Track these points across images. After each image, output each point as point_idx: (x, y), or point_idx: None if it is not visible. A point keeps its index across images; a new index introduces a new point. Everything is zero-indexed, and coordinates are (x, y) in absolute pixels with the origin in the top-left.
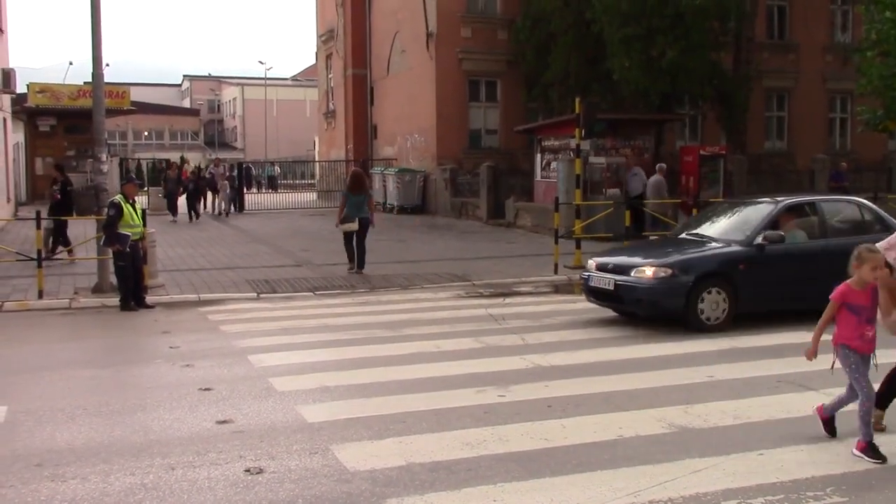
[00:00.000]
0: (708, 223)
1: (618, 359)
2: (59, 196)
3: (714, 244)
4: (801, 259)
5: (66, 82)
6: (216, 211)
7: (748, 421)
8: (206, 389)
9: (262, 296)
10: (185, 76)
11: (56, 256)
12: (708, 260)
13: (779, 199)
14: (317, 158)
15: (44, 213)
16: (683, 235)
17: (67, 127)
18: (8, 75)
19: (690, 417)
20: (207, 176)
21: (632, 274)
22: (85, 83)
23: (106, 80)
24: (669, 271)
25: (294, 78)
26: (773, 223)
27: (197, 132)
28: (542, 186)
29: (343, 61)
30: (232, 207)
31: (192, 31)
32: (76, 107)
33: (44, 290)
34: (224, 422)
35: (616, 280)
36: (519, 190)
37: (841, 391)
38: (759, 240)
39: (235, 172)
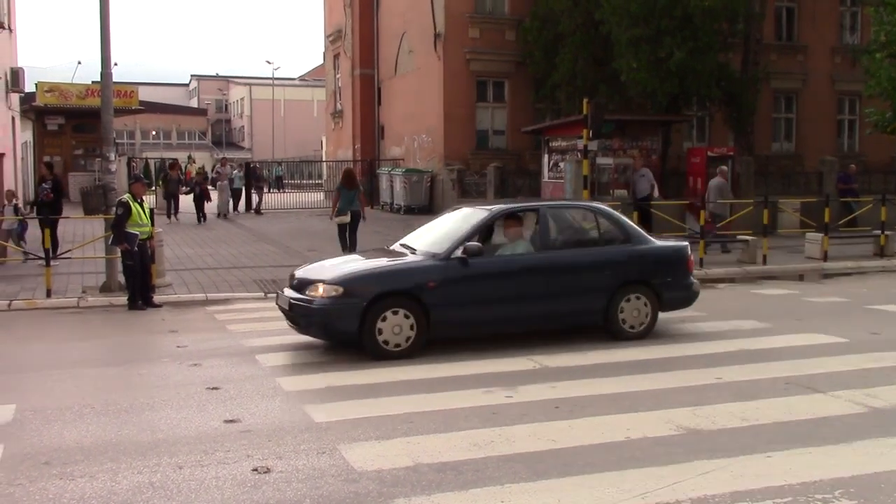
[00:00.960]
0: (426, 231)
1: (625, 360)
2: (52, 195)
3: (411, 257)
4: (512, 275)
5: (74, 81)
6: (221, 212)
7: (756, 423)
8: (213, 389)
9: (269, 295)
10: (192, 76)
11: (63, 255)
12: (387, 277)
13: (494, 206)
14: (324, 158)
15: (34, 213)
16: (395, 246)
17: (76, 126)
18: (17, 74)
19: (698, 419)
20: (213, 176)
21: (306, 292)
22: (93, 82)
23: (114, 79)
24: (340, 290)
25: (302, 78)
26: (486, 232)
27: (204, 132)
28: (549, 187)
29: (351, 61)
30: (231, 208)
31: (200, 31)
32: (84, 106)
33: (52, 289)
34: (231, 421)
35: (292, 299)
36: (526, 191)
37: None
38: (459, 253)
39: (236, 173)
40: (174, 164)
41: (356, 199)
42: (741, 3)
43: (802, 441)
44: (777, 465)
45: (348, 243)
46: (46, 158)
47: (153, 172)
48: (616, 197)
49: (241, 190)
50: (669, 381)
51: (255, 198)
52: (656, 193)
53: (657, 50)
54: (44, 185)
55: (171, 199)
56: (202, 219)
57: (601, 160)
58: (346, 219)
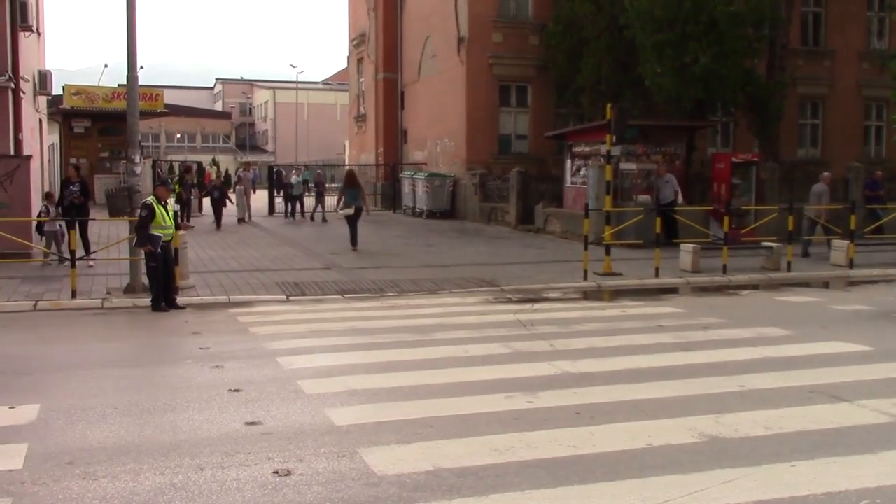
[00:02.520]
0: None
1: (648, 367)
2: (81, 198)
3: None
4: None
5: (100, 84)
6: (240, 217)
7: (780, 431)
8: (235, 391)
9: (291, 298)
10: (217, 79)
11: (91, 258)
12: None
13: None
14: (347, 162)
15: (61, 215)
16: None
17: (102, 129)
18: (44, 77)
19: (721, 427)
20: (235, 180)
21: None
22: (119, 85)
23: (140, 82)
24: None
25: (325, 82)
26: None
27: (228, 135)
28: (571, 192)
29: (374, 65)
30: (290, 211)
31: (225, 35)
32: (110, 109)
33: (77, 290)
34: (253, 423)
35: None
36: (549, 196)
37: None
38: None
39: (295, 177)
40: (188, 167)
41: (358, 195)
42: (767, 7)
43: (827, 450)
44: (801, 474)
45: (350, 233)
46: (73, 161)
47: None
48: (639, 202)
49: (301, 196)
50: (692, 389)
51: (308, 203)
52: (680, 199)
53: (682, 55)
54: (71, 187)
55: (183, 204)
56: (218, 225)
57: (624, 165)
58: (350, 211)
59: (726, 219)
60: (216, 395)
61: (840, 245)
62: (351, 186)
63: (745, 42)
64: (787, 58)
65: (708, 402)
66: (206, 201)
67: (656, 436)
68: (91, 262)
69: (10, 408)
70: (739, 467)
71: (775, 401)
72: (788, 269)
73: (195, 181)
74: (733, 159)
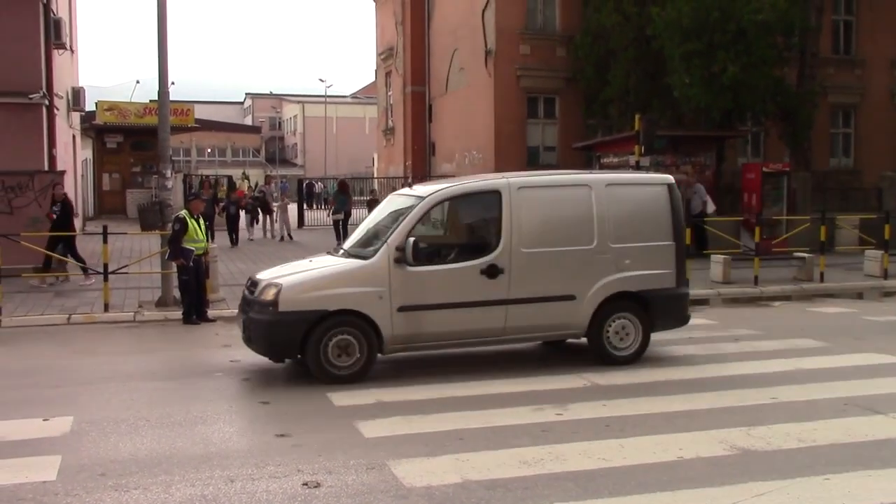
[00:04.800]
0: None
1: (678, 378)
2: (54, 216)
3: None
4: None
5: (132, 100)
6: (269, 234)
7: (813, 444)
8: (264, 403)
9: None
10: (247, 94)
11: (121, 270)
12: None
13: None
14: (375, 175)
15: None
16: None
17: (134, 144)
18: (78, 94)
19: (753, 439)
20: (258, 194)
21: None
22: (151, 101)
23: (171, 98)
24: None
25: (353, 95)
26: None
27: (258, 149)
28: None
29: (402, 79)
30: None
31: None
32: (142, 124)
33: (109, 304)
34: (283, 435)
35: None
36: None
37: None
38: None
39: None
40: (205, 181)
41: (347, 202)
42: (797, 16)
43: (862, 463)
44: (835, 487)
45: (343, 233)
46: (115, 175)
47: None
48: None
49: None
50: (723, 401)
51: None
52: (710, 209)
53: (710, 65)
54: (53, 206)
55: (205, 217)
56: (235, 241)
57: None
58: (341, 216)
59: (757, 229)
60: (246, 407)
61: (874, 255)
62: (342, 194)
63: (774, 51)
64: (817, 66)
65: (739, 414)
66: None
67: (687, 448)
68: (87, 280)
69: (45, 420)
70: (772, 480)
71: (808, 413)
72: (821, 280)
73: (216, 196)
74: (764, 169)
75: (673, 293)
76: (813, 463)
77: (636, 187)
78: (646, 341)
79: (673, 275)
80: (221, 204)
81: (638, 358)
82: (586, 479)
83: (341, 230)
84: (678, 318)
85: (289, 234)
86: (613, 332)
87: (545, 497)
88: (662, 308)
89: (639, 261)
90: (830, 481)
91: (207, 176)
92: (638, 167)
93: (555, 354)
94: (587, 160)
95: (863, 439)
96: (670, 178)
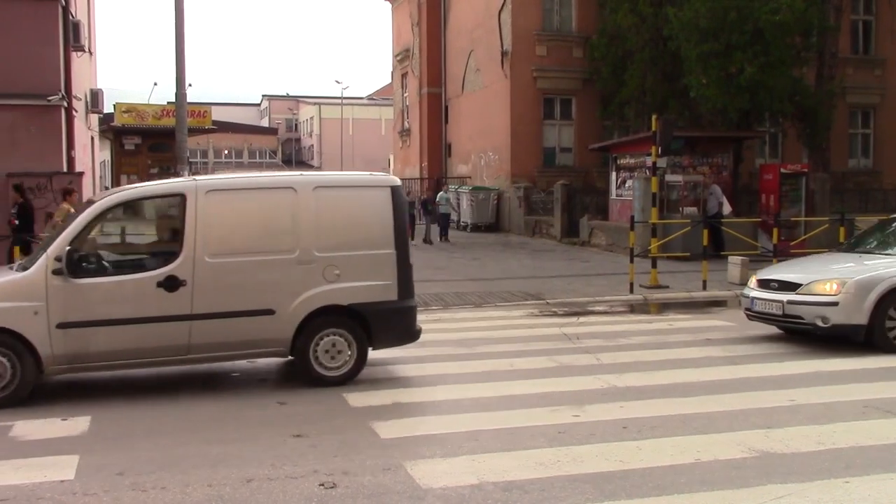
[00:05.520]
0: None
1: (695, 381)
2: (16, 221)
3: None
4: None
5: (150, 102)
6: None
7: (833, 447)
8: (282, 403)
9: None
10: (263, 96)
11: None
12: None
13: None
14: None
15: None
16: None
17: (151, 145)
18: (96, 96)
19: (771, 442)
20: None
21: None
22: (169, 103)
23: (188, 99)
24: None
25: (370, 97)
26: None
27: (275, 150)
28: (617, 205)
29: (418, 80)
30: (438, 235)
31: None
32: (160, 126)
33: None
34: (299, 436)
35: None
36: (593, 208)
37: None
38: None
39: (442, 195)
40: None
41: None
42: (815, 16)
43: (883, 467)
44: (856, 491)
45: None
46: (133, 177)
47: None
48: (686, 215)
49: (448, 216)
50: (741, 403)
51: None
52: (727, 210)
53: (727, 65)
54: (11, 210)
55: None
56: None
57: (670, 177)
58: None
59: (775, 231)
60: (263, 407)
61: None
62: None
63: (792, 51)
64: (836, 66)
65: (758, 416)
66: None
67: (705, 450)
68: None
69: (63, 419)
70: (791, 483)
71: (828, 415)
72: None
73: None
74: (782, 170)
75: (394, 307)
76: (833, 466)
77: (351, 190)
78: (361, 360)
79: (394, 286)
80: None
81: (352, 379)
82: (603, 481)
83: None
84: (402, 333)
85: None
86: (322, 351)
87: (561, 499)
88: (382, 323)
89: (352, 271)
90: (850, 484)
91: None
92: (655, 168)
93: (571, 355)
94: (604, 161)
95: (884, 441)
96: (395, 180)
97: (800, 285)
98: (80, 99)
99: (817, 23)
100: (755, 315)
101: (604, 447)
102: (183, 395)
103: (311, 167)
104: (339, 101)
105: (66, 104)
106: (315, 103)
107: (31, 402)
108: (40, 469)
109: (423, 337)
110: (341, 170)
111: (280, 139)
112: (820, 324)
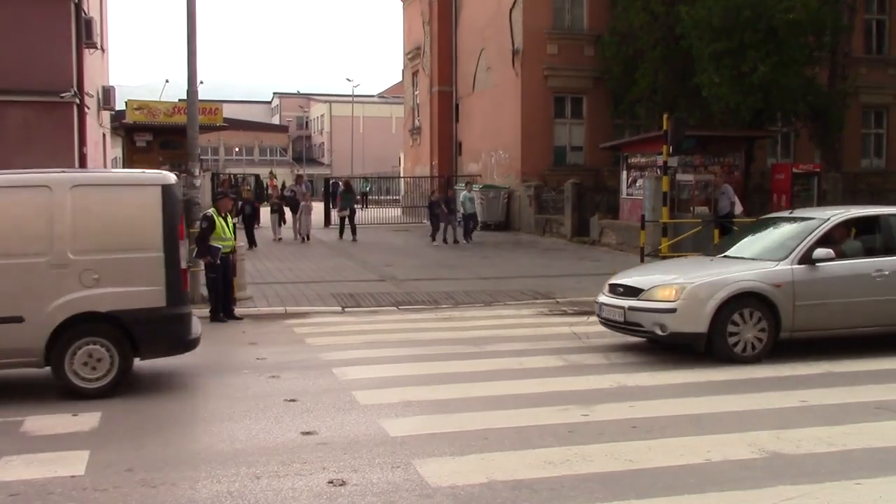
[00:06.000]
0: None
1: (706, 380)
2: None
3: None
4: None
5: (162, 99)
6: (298, 235)
7: (844, 448)
8: (291, 401)
9: (346, 309)
10: (274, 94)
11: None
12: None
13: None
14: (402, 174)
15: None
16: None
17: (163, 142)
18: (108, 93)
19: (782, 443)
20: (288, 194)
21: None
22: (180, 100)
23: (200, 97)
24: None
25: (380, 95)
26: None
27: (285, 148)
28: (627, 204)
29: (429, 78)
30: (462, 237)
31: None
32: (171, 123)
33: None
34: (308, 433)
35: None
36: (604, 207)
37: None
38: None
39: (465, 194)
40: (225, 181)
41: (352, 199)
42: (828, 15)
43: (895, 469)
44: (867, 493)
45: (351, 228)
46: None
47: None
48: (697, 214)
49: (474, 215)
50: (752, 403)
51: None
52: (738, 210)
53: (740, 64)
54: None
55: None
56: (252, 244)
57: (681, 177)
58: (346, 213)
59: None
60: (272, 404)
61: None
62: (348, 193)
63: (805, 50)
64: (849, 66)
65: (768, 416)
66: (266, 212)
67: (715, 451)
68: None
69: (73, 415)
70: (801, 484)
71: (839, 416)
72: None
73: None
74: (794, 170)
75: (162, 314)
76: (844, 467)
77: (116, 188)
78: (123, 371)
79: (162, 292)
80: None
81: (113, 390)
82: (612, 481)
83: (346, 225)
84: (173, 342)
85: (307, 236)
86: (80, 362)
87: (571, 498)
88: (147, 332)
89: (113, 276)
90: (862, 486)
91: (229, 175)
92: (666, 167)
93: (581, 354)
94: (614, 160)
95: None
96: (167, 177)
97: (642, 290)
98: (93, 96)
99: (831, 22)
100: (605, 322)
101: (613, 447)
102: (192, 391)
103: (321, 165)
104: (350, 98)
105: (78, 101)
106: (326, 101)
107: (42, 398)
108: (51, 464)
109: (431, 336)
110: (351, 168)
111: (291, 137)
112: (658, 332)
